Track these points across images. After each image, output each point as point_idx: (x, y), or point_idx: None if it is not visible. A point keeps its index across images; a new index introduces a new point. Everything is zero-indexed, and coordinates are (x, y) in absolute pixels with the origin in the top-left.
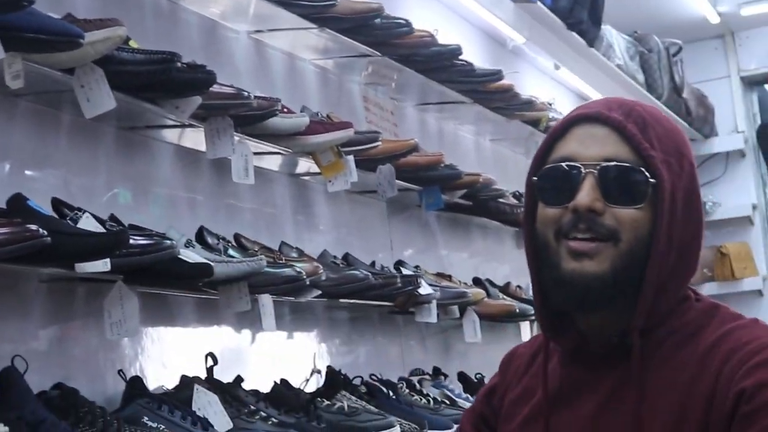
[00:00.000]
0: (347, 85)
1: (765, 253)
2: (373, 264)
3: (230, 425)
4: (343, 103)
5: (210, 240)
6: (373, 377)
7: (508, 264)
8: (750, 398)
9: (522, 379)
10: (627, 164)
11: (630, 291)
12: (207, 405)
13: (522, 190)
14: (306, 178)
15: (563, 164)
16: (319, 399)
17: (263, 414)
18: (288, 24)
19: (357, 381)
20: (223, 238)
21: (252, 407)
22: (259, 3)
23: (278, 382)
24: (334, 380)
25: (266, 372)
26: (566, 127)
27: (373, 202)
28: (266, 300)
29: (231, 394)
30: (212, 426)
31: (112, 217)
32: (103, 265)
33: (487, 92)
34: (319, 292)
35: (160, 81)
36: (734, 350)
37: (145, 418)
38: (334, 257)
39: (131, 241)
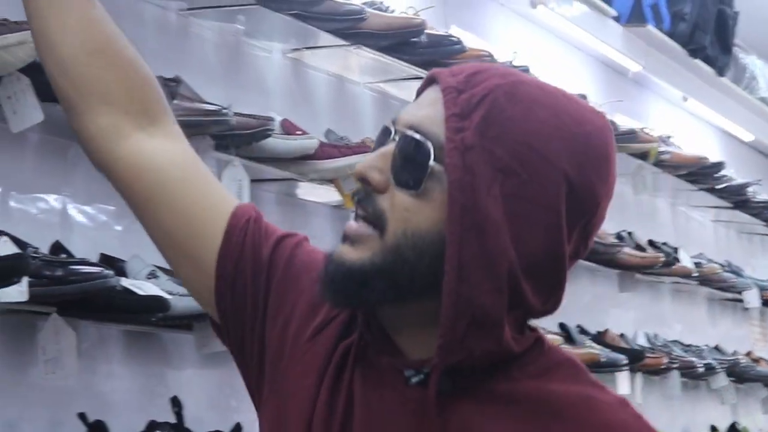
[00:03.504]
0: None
1: None
2: None
3: None
4: None
5: None
6: None
7: (609, 308)
8: None
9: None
10: (419, 136)
11: (411, 303)
12: None
13: (629, 229)
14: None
15: (385, 125)
16: None
17: None
18: (321, 41)
19: None
20: None
21: None
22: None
23: None
24: None
25: None
26: (422, 87)
27: None
28: None
29: None
30: None
31: (56, 246)
32: (18, 294)
33: None
34: None
35: None
36: None
37: None
38: None
39: (60, 271)
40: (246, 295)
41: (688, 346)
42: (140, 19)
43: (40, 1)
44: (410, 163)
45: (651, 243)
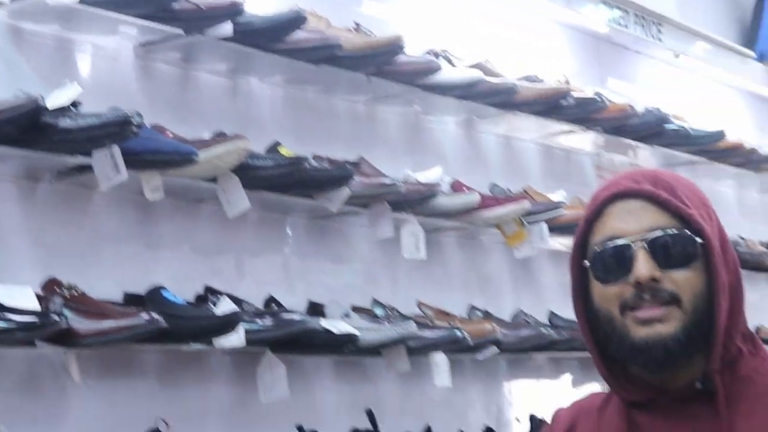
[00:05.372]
0: (576, 157)
1: None
2: None
3: None
4: (573, 176)
5: (378, 310)
6: None
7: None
8: None
9: None
10: (673, 230)
11: (701, 343)
12: None
13: None
14: None
15: (612, 243)
16: None
17: None
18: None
19: None
20: (393, 308)
21: None
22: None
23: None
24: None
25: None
26: (600, 208)
27: None
28: (439, 358)
29: None
30: None
31: (268, 301)
32: (237, 340)
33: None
34: (497, 350)
35: (297, 181)
36: None
37: None
38: (526, 316)
39: (270, 320)
40: None
41: None
42: (333, 112)
43: None
44: (680, 250)
45: None
